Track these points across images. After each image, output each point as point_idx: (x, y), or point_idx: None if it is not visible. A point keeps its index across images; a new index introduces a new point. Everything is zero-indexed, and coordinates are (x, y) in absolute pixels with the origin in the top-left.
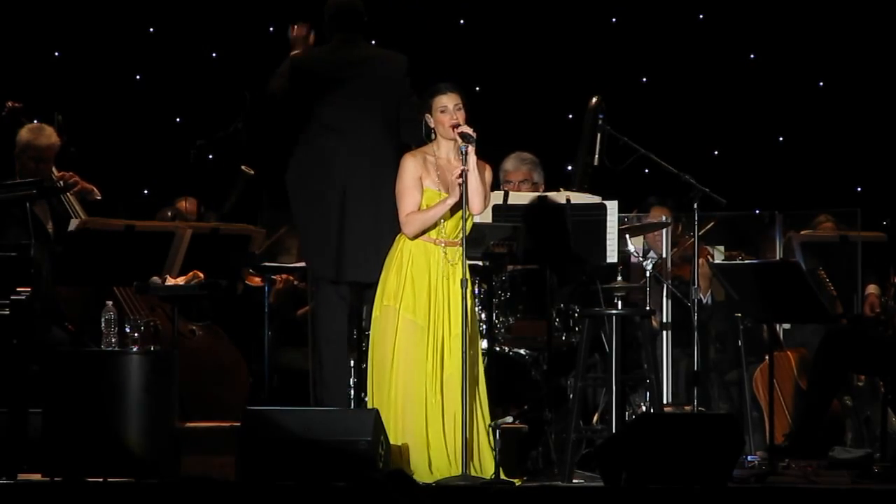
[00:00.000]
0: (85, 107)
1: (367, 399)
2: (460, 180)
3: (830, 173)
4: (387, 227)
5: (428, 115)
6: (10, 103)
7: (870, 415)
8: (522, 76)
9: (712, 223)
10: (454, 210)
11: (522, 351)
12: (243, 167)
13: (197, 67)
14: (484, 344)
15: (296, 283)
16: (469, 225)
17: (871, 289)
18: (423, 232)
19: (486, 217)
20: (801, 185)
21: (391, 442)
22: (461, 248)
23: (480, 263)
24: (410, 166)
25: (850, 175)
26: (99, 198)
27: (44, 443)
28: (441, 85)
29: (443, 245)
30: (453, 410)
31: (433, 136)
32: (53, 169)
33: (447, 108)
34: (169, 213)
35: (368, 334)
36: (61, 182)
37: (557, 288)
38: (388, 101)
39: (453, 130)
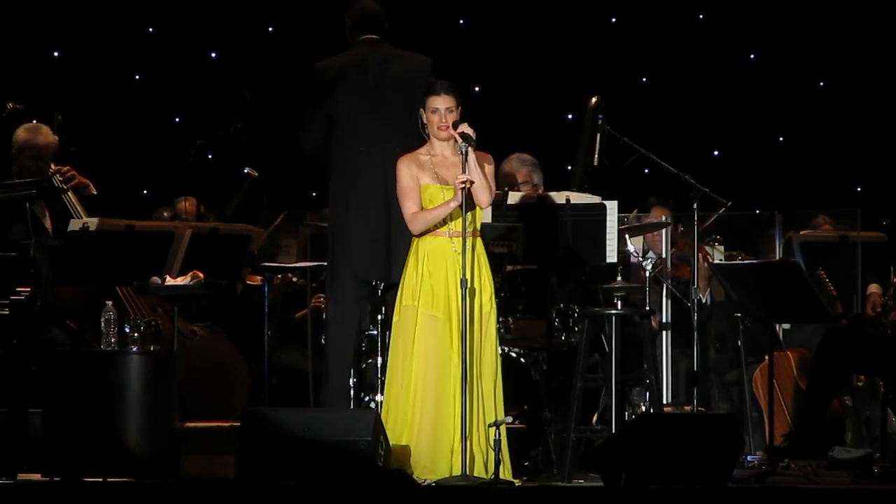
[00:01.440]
0: (85, 107)
1: (378, 399)
2: (462, 186)
3: (831, 173)
4: (401, 228)
5: (422, 111)
6: (10, 105)
7: (869, 415)
8: (522, 76)
9: (713, 218)
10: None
11: (522, 351)
12: (248, 169)
13: (197, 67)
14: None
15: (294, 279)
16: (478, 219)
17: (873, 288)
18: (431, 229)
19: (486, 217)
20: (801, 186)
21: (405, 443)
22: (473, 240)
23: None
24: (404, 170)
25: (850, 175)
26: (95, 193)
27: (44, 443)
28: (437, 84)
29: (458, 237)
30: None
31: (425, 131)
32: (52, 165)
33: (438, 111)
34: (165, 214)
35: (368, 335)
36: (59, 176)
37: (557, 288)
38: (411, 101)
39: (451, 130)
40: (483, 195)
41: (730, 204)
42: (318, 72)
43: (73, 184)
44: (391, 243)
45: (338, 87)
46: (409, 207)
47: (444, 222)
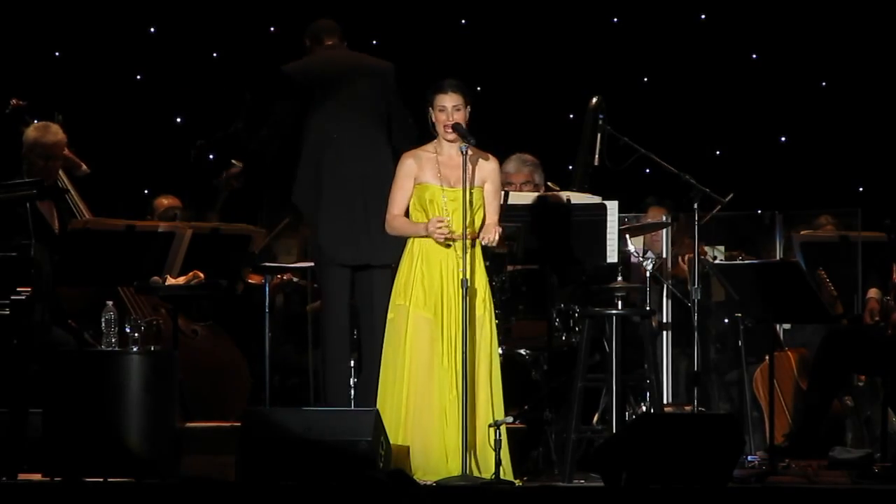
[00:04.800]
0: (85, 106)
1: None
2: (441, 236)
3: (832, 173)
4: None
5: (430, 109)
6: (14, 101)
7: (870, 415)
8: (523, 76)
9: (709, 216)
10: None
11: (522, 351)
12: (233, 160)
13: (198, 67)
14: None
15: (295, 280)
16: (477, 222)
17: (872, 293)
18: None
19: None
20: (802, 185)
21: (400, 443)
22: (469, 243)
23: (487, 263)
24: (405, 166)
25: (852, 175)
26: (88, 171)
27: (44, 443)
28: (444, 83)
29: (453, 241)
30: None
31: (434, 129)
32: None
33: (445, 108)
34: (170, 213)
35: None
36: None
37: (558, 288)
38: (379, 106)
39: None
40: (493, 213)
41: (730, 197)
42: (288, 73)
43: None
44: (368, 226)
45: (308, 85)
46: (393, 207)
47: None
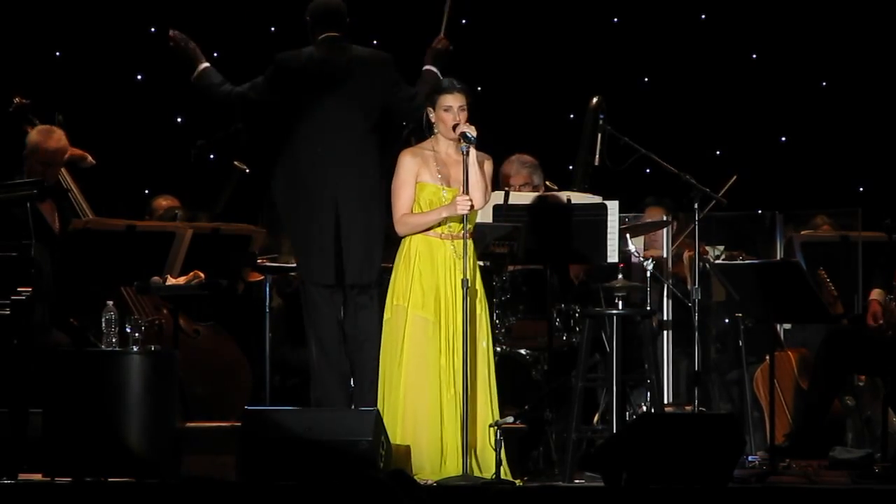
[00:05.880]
0: (86, 106)
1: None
2: (464, 211)
3: (832, 173)
4: (372, 227)
5: (430, 109)
6: (17, 99)
7: (870, 415)
8: (523, 76)
9: (702, 214)
10: None
11: (523, 351)
12: (236, 163)
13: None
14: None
15: (293, 276)
16: (474, 219)
17: (875, 294)
18: (417, 232)
19: (487, 217)
20: (803, 185)
21: (399, 442)
22: (468, 242)
23: (481, 263)
24: (406, 163)
25: (852, 175)
26: (94, 163)
27: (44, 443)
28: (447, 83)
29: (450, 239)
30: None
31: (434, 130)
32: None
33: (451, 108)
34: (170, 214)
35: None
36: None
37: (558, 288)
38: (374, 102)
39: (454, 130)
40: (476, 193)
41: (734, 179)
42: (282, 61)
43: (69, 155)
44: (340, 246)
45: (299, 82)
46: (399, 208)
47: (438, 224)
